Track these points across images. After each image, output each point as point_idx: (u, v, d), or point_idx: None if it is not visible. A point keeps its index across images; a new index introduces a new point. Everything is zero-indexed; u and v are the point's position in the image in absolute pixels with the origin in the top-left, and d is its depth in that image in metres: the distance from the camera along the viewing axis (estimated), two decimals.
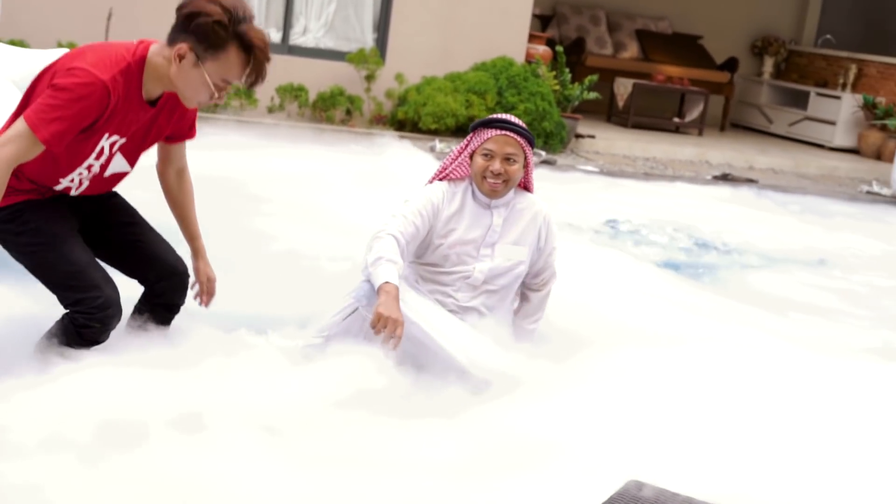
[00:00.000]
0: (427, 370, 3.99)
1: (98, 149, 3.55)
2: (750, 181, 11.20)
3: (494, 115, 4.35)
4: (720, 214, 9.05)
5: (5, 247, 3.73)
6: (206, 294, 4.10)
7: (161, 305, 3.96)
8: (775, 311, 5.99)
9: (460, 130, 11.11)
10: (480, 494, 3.18)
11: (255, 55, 3.46)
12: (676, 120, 14.17)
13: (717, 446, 3.65)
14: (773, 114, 15.57)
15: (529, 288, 4.51)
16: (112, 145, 3.58)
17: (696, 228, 8.28)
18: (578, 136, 11.95)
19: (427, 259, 4.32)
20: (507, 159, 4.23)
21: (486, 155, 4.23)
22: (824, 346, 5.15)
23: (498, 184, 4.24)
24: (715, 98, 14.92)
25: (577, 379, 4.11)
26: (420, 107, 10.92)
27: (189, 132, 3.88)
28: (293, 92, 10.81)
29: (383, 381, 3.81)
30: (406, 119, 11.09)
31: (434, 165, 8.80)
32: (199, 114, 3.97)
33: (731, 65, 15.01)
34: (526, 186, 4.44)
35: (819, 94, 15.01)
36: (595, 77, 11.86)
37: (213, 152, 7.31)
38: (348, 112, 11.04)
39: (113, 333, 3.73)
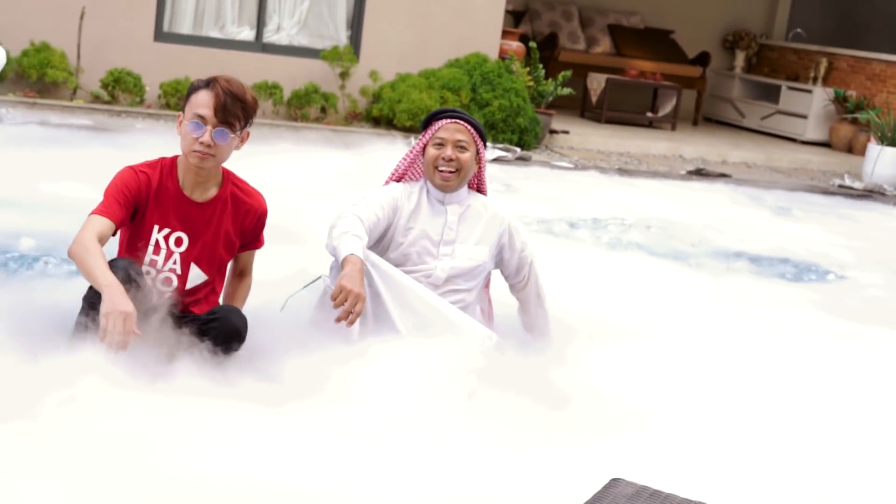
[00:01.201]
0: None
1: (153, 242, 3.90)
2: (724, 175, 11.26)
3: (444, 108, 4.38)
4: (695, 209, 9.09)
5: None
6: None
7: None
8: (754, 305, 6.02)
9: None
10: (461, 488, 3.19)
11: (215, 87, 3.82)
12: (649, 115, 14.23)
13: (699, 444, 3.68)
14: (745, 108, 15.65)
15: (517, 288, 4.54)
16: (167, 239, 3.91)
17: (673, 223, 8.32)
18: (552, 131, 11.99)
19: (389, 258, 4.30)
20: (459, 146, 4.25)
21: (437, 144, 4.27)
22: (801, 341, 5.19)
23: (450, 174, 4.26)
24: (687, 93, 14.98)
25: (562, 374, 4.13)
26: (395, 104, 10.92)
27: (255, 242, 4.18)
28: (268, 90, 10.79)
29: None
30: (381, 116, 11.08)
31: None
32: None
33: (702, 59, 15.08)
34: (479, 188, 4.47)
35: (790, 88, 15.10)
36: (568, 73, 11.90)
37: None
38: (323, 110, 11.02)
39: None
